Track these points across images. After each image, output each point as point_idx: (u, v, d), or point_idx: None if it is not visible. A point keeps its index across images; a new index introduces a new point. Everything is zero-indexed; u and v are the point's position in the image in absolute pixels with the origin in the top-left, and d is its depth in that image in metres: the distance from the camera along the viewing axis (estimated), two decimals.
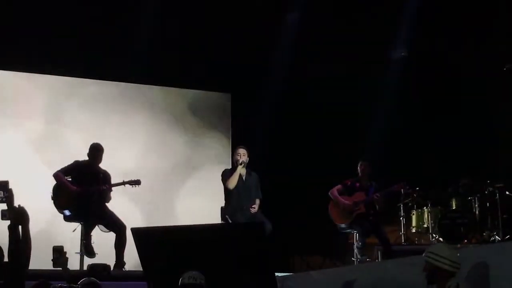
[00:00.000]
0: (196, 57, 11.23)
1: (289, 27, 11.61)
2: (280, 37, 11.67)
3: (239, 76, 11.37)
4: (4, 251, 4.80)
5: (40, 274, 5.76)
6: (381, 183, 9.15)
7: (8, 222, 4.68)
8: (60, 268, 5.61)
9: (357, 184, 9.09)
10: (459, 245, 8.58)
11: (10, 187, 4.76)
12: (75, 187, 8.19)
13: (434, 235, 9.78)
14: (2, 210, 4.73)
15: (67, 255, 5.69)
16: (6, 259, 4.72)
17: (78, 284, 5.44)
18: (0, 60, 10.25)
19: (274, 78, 11.59)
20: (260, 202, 8.53)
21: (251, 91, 11.61)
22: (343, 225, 9.08)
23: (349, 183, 9.12)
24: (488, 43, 10.96)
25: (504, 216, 9.39)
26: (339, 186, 9.12)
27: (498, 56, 9.94)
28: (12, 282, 4.52)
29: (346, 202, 8.95)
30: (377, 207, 8.89)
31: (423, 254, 5.03)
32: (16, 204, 4.78)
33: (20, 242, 4.57)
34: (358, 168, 9.13)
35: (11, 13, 10.14)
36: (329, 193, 9.11)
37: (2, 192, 4.79)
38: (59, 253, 5.60)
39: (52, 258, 5.60)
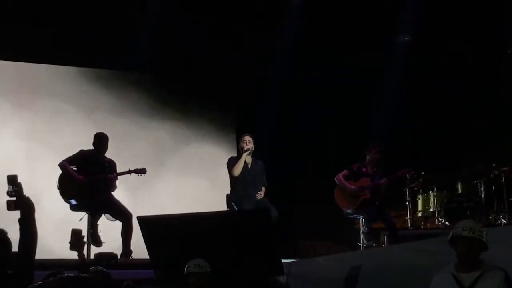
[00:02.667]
0: (199, 44, 11.22)
1: (294, 8, 11.58)
2: (284, 22, 11.63)
3: (243, 65, 11.36)
4: (12, 242, 4.83)
5: (46, 264, 5.79)
6: (387, 168, 9.12)
7: (14, 213, 4.71)
8: (76, 252, 5.62)
9: (364, 169, 9.04)
10: None
11: (19, 181, 4.79)
12: (81, 177, 8.20)
13: (440, 219, 9.78)
14: (8, 201, 4.75)
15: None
16: (12, 250, 4.74)
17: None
18: None
19: (279, 65, 11.57)
20: (266, 189, 8.52)
21: (256, 79, 11.59)
22: (349, 211, 9.07)
23: (355, 167, 9.07)
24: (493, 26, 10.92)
25: (510, 199, 9.38)
26: (345, 172, 9.10)
27: (503, 39, 9.90)
28: (21, 272, 4.56)
29: (352, 187, 8.93)
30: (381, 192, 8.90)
31: (465, 233, 4.39)
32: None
33: (30, 233, 4.60)
34: (367, 152, 9.05)
35: None
36: (335, 179, 9.10)
37: (11, 186, 4.81)
38: (77, 237, 5.60)
39: (69, 240, 5.60)
